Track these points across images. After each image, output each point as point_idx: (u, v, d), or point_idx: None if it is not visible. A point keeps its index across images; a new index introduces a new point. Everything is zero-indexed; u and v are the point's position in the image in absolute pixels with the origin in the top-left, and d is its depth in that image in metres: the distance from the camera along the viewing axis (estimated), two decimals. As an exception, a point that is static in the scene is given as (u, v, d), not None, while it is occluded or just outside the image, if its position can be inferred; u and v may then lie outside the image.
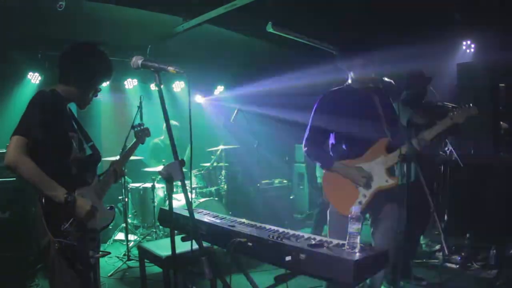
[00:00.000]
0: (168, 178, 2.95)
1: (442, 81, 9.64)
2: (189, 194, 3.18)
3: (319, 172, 9.23)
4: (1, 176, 6.88)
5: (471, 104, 4.80)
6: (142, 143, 5.23)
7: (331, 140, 5.14)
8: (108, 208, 4.29)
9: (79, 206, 3.67)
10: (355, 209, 3.53)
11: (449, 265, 7.73)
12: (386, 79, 4.71)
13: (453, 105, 7.37)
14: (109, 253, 4.35)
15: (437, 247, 8.56)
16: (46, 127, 3.65)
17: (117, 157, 4.98)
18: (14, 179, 7.01)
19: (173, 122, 10.12)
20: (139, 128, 5.18)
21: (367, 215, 5.10)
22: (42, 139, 3.61)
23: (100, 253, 3.96)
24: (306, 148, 5.12)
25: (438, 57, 10.51)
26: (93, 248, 3.86)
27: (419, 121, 6.39)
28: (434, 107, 7.28)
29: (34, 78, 9.85)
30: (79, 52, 4.08)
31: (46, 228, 3.58)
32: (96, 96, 4.30)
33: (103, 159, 8.77)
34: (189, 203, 3.03)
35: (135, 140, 5.08)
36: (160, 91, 3.06)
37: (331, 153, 5.14)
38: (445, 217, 8.72)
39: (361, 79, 4.93)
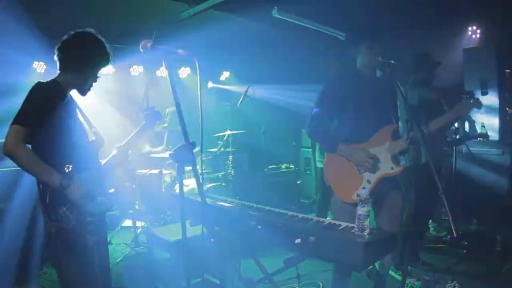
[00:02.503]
0: (179, 161, 2.96)
1: (448, 67, 9.63)
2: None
3: (319, 156, 9.24)
4: (5, 166, 6.89)
5: (476, 98, 4.83)
6: (152, 127, 5.22)
7: (336, 124, 5.11)
8: (110, 191, 4.31)
9: (73, 190, 3.75)
10: (364, 192, 3.54)
11: (456, 250, 7.75)
12: (392, 61, 4.69)
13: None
14: (103, 238, 4.37)
15: (445, 233, 8.59)
16: (43, 115, 3.76)
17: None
18: (19, 168, 7.03)
19: (171, 108, 10.15)
20: (148, 112, 5.17)
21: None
22: (39, 127, 3.72)
23: (96, 238, 3.99)
24: (310, 129, 5.07)
25: (444, 43, 10.50)
26: (91, 232, 3.91)
27: (431, 97, 6.41)
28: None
29: (39, 67, 9.85)
30: (76, 40, 4.16)
31: (43, 213, 3.74)
32: (95, 81, 4.36)
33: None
34: (200, 186, 3.04)
35: (144, 123, 5.06)
36: (170, 74, 3.07)
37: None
38: (454, 201, 8.74)
39: (368, 62, 4.92)
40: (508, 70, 10.15)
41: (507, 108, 9.89)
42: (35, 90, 3.86)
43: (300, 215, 3.97)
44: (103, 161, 4.37)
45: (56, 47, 4.14)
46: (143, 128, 4.97)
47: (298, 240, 3.42)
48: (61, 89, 4.05)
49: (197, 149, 3.28)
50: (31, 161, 3.63)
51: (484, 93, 9.03)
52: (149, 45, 3.12)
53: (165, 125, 10.42)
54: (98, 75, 4.34)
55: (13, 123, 3.63)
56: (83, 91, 4.31)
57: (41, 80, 3.98)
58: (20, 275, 6.67)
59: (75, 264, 3.84)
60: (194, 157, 2.95)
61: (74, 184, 3.77)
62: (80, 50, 4.09)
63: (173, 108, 9.25)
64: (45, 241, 3.83)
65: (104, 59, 4.28)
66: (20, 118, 3.66)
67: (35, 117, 3.70)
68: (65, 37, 4.15)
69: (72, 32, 4.18)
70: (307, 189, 12.54)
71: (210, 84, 13.33)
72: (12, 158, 3.59)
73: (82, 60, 4.09)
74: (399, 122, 5.14)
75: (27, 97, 3.81)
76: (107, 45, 4.28)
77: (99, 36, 4.25)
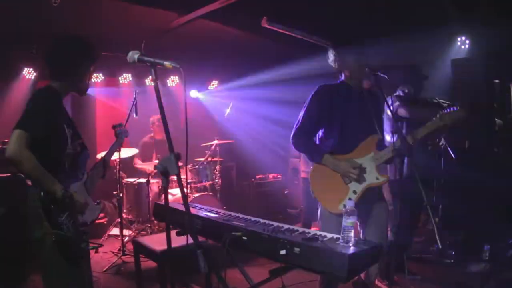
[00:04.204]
0: (164, 172, 2.96)
1: (436, 77, 9.65)
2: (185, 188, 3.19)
3: (303, 166, 9.26)
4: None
5: (459, 107, 4.83)
6: (121, 144, 5.28)
7: (320, 134, 5.11)
8: (95, 203, 4.33)
9: (76, 201, 3.79)
10: (349, 203, 3.55)
11: (443, 260, 7.77)
12: (380, 74, 4.71)
13: (447, 102, 7.38)
14: (102, 245, 4.38)
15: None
16: (48, 123, 3.76)
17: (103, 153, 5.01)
18: (9, 174, 7.04)
19: (156, 116, 10.20)
20: (120, 129, 5.22)
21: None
22: (42, 134, 3.70)
23: (90, 246, 4.00)
24: (295, 139, 5.05)
25: (433, 53, 10.53)
26: (84, 241, 3.95)
27: (402, 114, 6.45)
28: (428, 103, 7.29)
29: (28, 74, 9.84)
30: (56, 48, 4.19)
31: (44, 220, 3.69)
32: (90, 79, 4.37)
33: (97, 155, 8.82)
34: (184, 197, 3.04)
35: (116, 140, 5.12)
36: (156, 86, 3.08)
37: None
38: (439, 212, 8.75)
39: (355, 73, 4.93)
40: (497, 80, 10.19)
41: (495, 119, 9.93)
42: (41, 95, 3.90)
43: (286, 226, 3.98)
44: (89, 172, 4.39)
45: (43, 59, 4.16)
46: (115, 144, 5.03)
47: (283, 251, 3.43)
48: (58, 95, 4.08)
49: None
50: (36, 168, 3.61)
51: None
52: (135, 56, 3.12)
53: (152, 135, 10.41)
54: (91, 70, 4.34)
55: (16, 127, 3.60)
56: (81, 92, 4.35)
57: (41, 87, 4.02)
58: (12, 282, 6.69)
59: (68, 273, 3.83)
60: (178, 168, 2.95)
61: (75, 195, 3.80)
62: (63, 56, 4.10)
63: (158, 116, 9.28)
64: (35, 249, 3.80)
65: (89, 56, 4.28)
66: (24, 123, 3.64)
67: (39, 123, 3.70)
68: (47, 48, 4.18)
69: (52, 42, 4.19)
70: (295, 198, 12.53)
71: (196, 94, 13.33)
72: (17, 164, 3.56)
73: (68, 66, 4.10)
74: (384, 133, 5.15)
75: (32, 101, 3.83)
76: (87, 40, 4.27)
77: (77, 36, 4.26)
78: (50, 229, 3.68)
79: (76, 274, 3.89)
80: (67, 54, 4.11)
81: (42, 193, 3.71)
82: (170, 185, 9.43)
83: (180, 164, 3.02)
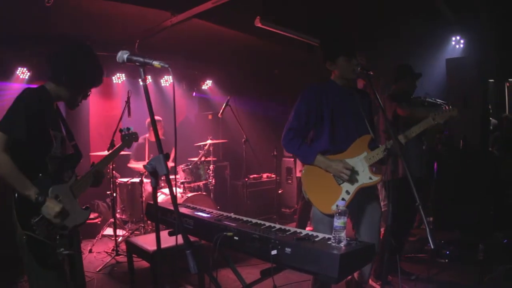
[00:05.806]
0: (153, 172, 2.95)
1: (431, 77, 9.65)
2: (174, 188, 3.18)
3: (300, 165, 9.23)
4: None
5: (451, 107, 4.83)
6: (128, 147, 5.27)
7: (311, 135, 5.07)
8: (83, 208, 4.27)
9: (48, 207, 3.74)
10: (341, 203, 3.53)
11: (437, 259, 7.76)
12: (371, 72, 4.68)
13: (442, 101, 7.38)
14: (74, 251, 4.30)
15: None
16: (28, 125, 3.72)
17: (104, 153, 4.97)
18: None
19: (156, 117, 10.14)
20: (127, 132, 5.21)
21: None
22: (22, 136, 3.68)
23: (66, 251, 3.94)
24: (285, 141, 4.95)
25: (428, 53, 10.53)
26: (62, 245, 3.89)
27: (402, 114, 6.42)
28: (424, 103, 7.28)
29: (22, 73, 9.80)
30: (73, 54, 4.11)
31: (16, 220, 3.69)
32: (85, 99, 4.33)
33: (91, 154, 8.80)
34: (173, 196, 3.02)
35: (121, 143, 5.10)
36: (144, 86, 3.06)
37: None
38: (433, 211, 8.76)
39: (346, 74, 4.90)
40: (492, 80, 10.20)
41: (490, 118, 9.94)
42: (23, 97, 3.83)
43: (277, 226, 3.97)
44: (79, 176, 4.35)
45: (51, 55, 4.11)
46: (119, 148, 5.00)
47: (274, 252, 3.41)
48: (49, 98, 4.03)
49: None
50: (11, 171, 3.61)
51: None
52: (125, 56, 3.10)
53: (147, 135, 10.37)
54: (88, 92, 4.31)
55: None
56: (71, 105, 4.29)
57: (30, 87, 3.95)
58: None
59: (44, 276, 3.82)
60: (167, 168, 2.93)
61: (50, 201, 3.76)
62: (76, 67, 4.05)
63: (156, 117, 9.24)
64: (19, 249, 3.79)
65: (98, 79, 4.27)
66: (5, 125, 3.66)
67: (20, 125, 3.67)
68: (61, 48, 4.13)
69: (70, 44, 4.16)
70: (289, 198, 12.54)
71: (192, 93, 13.31)
72: None
73: (75, 77, 4.06)
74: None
75: (14, 104, 3.78)
76: (101, 64, 4.25)
77: (95, 52, 4.21)
78: (21, 230, 3.67)
79: (55, 276, 3.87)
80: (83, 66, 4.09)
81: (16, 195, 3.71)
82: (164, 184, 9.43)
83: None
